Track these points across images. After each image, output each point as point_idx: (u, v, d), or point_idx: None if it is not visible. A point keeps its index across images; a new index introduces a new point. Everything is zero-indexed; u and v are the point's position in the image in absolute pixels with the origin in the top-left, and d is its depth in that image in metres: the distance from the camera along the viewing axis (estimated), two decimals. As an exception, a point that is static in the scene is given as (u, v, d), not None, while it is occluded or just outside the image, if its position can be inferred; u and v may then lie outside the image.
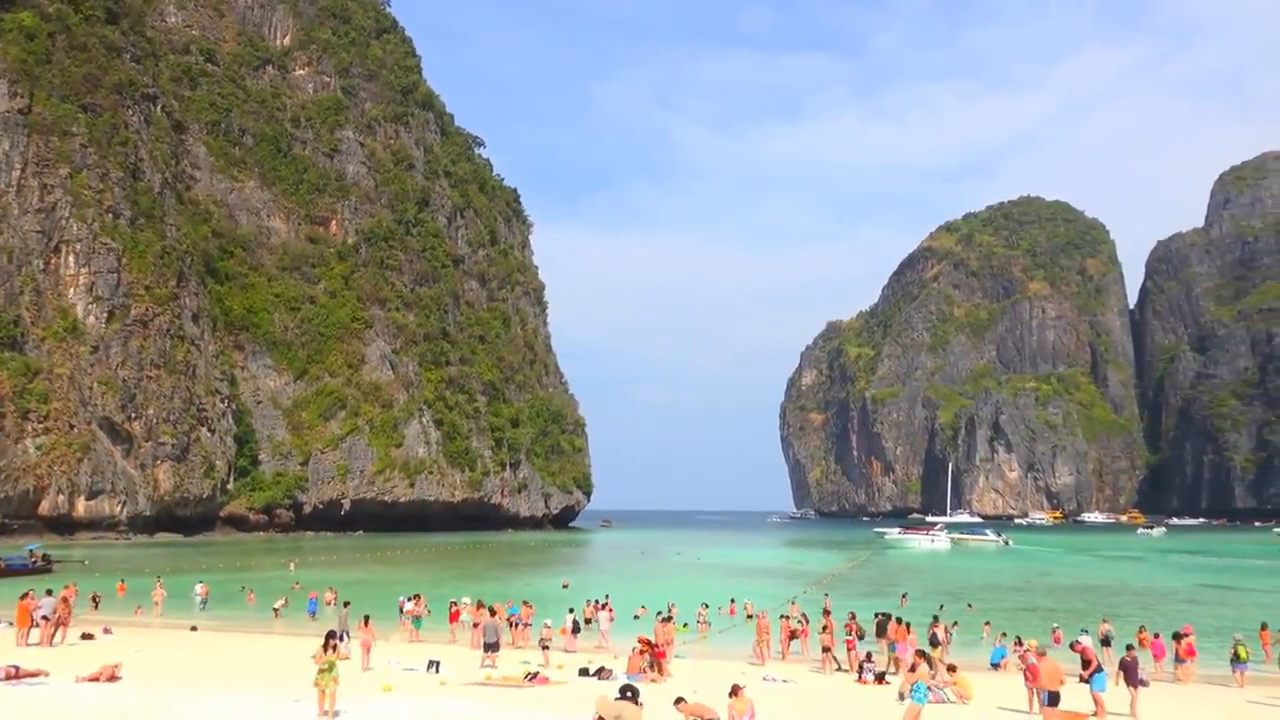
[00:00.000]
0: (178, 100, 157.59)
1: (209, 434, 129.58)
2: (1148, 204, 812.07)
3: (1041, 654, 22.16)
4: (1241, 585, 69.21)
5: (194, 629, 38.52)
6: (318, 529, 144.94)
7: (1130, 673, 23.61)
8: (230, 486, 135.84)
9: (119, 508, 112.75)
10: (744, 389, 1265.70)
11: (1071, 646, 25.43)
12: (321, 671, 19.64)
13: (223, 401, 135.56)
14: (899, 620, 31.77)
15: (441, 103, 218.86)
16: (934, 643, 29.60)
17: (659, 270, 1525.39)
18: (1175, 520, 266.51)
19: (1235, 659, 28.00)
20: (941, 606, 50.56)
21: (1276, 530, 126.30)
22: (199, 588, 47.92)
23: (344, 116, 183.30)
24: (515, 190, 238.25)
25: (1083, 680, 22.24)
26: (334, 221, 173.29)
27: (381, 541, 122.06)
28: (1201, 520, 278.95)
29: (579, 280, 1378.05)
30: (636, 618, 42.61)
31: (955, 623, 35.80)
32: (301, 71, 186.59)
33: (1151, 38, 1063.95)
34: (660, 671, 27.17)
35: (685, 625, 39.62)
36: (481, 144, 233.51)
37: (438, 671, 27.34)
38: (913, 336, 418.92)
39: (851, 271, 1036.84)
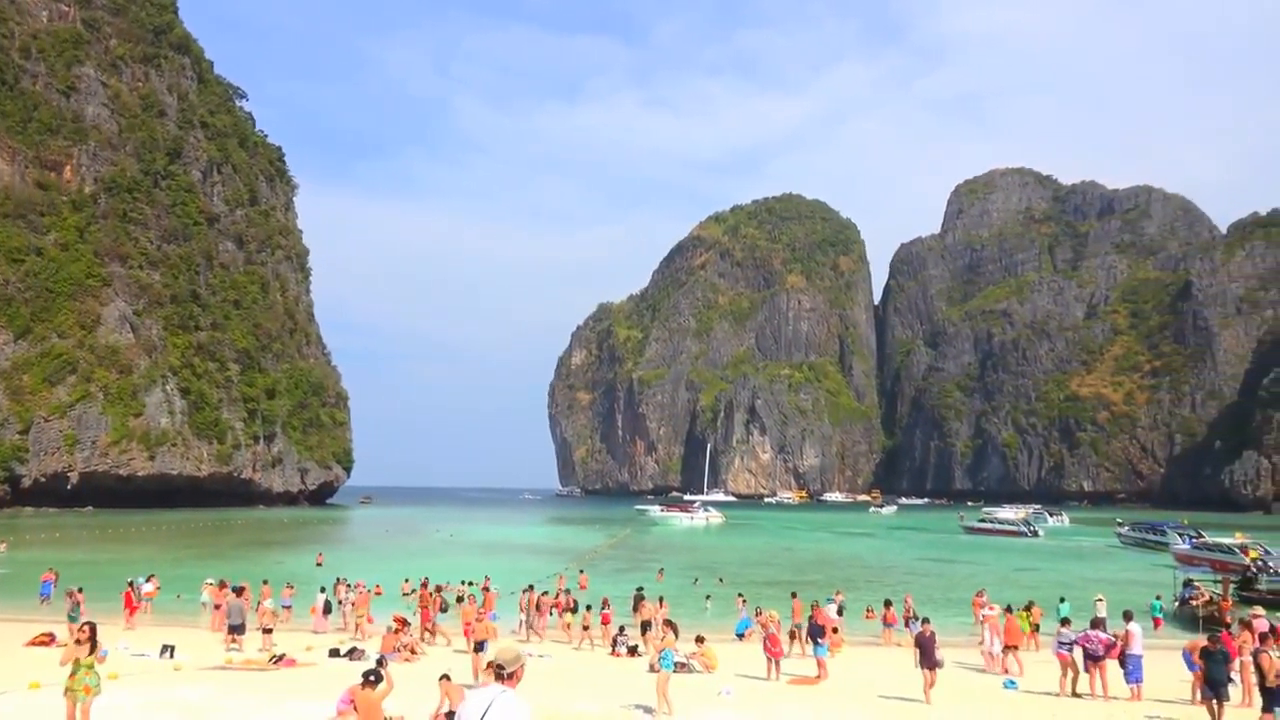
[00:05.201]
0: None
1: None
2: (894, 208, 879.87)
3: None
4: (956, 558, 76.95)
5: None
6: (39, 504, 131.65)
7: (927, 651, 21.09)
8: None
9: None
10: (516, 366, 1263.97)
11: (812, 608, 27.36)
12: (73, 675, 15.33)
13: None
14: (660, 599, 33.18)
15: (199, 47, 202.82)
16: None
17: (434, 243, 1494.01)
18: (904, 500, 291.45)
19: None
20: (696, 580, 53.15)
21: (978, 509, 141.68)
22: None
23: (84, 52, 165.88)
24: (279, 148, 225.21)
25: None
26: (68, 167, 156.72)
27: (115, 519, 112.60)
28: (927, 500, 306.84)
29: (350, 249, 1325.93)
30: (405, 595, 42.00)
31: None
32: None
33: (905, 56, 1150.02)
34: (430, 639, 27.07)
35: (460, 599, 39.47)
36: (243, 96, 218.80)
37: (172, 656, 25.73)
38: (679, 321, 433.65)
39: (623, 255, 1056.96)
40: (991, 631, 26.66)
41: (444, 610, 33.98)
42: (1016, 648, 25.96)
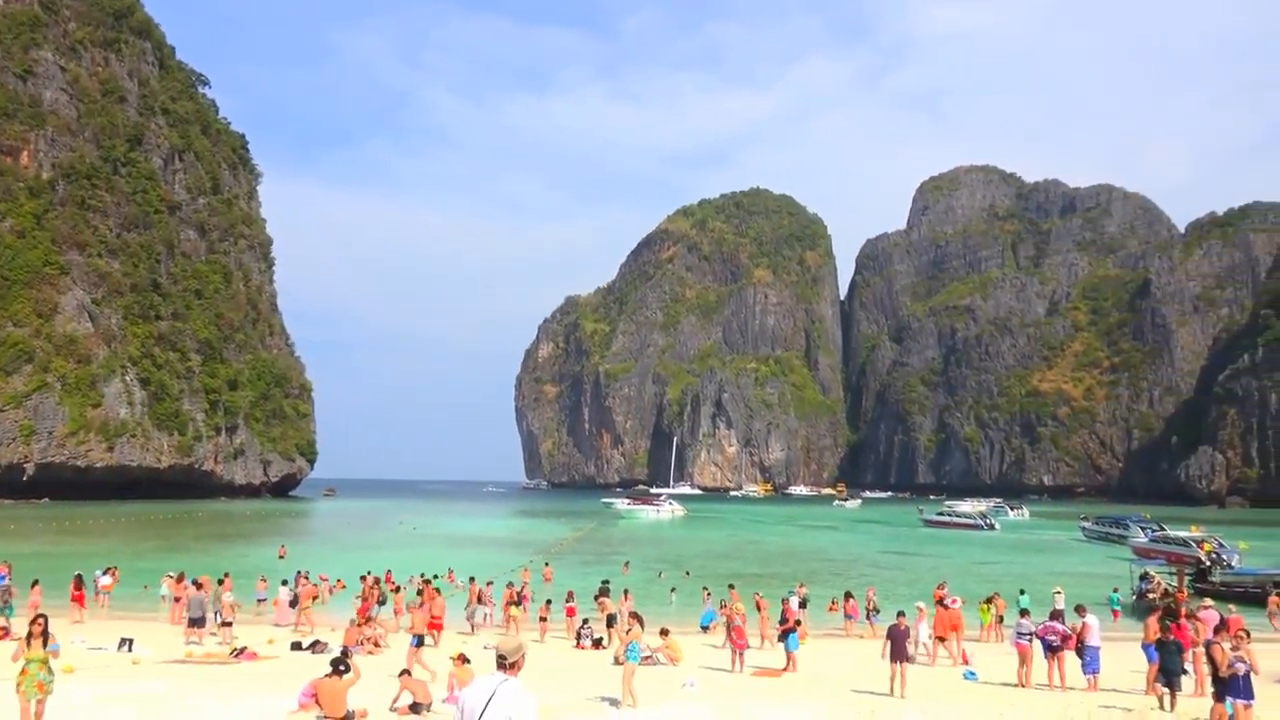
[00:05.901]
0: None
1: None
2: (860, 204, 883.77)
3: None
4: (919, 552, 77.75)
5: None
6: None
7: (898, 645, 20.68)
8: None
9: None
10: (482, 359, 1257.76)
11: (783, 603, 27.63)
12: (25, 671, 14.68)
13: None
14: (625, 592, 33.29)
15: (161, 33, 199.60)
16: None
17: (402, 234, 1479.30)
18: (868, 493, 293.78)
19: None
20: (660, 574, 53.25)
21: (939, 503, 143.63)
22: None
23: (42, 35, 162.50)
24: (243, 136, 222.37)
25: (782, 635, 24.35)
26: (25, 152, 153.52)
27: (73, 511, 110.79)
28: (890, 493, 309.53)
29: (315, 239, 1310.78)
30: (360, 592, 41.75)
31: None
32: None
33: (872, 53, 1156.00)
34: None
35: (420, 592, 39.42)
36: (206, 83, 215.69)
37: (130, 650, 25.40)
38: (647, 315, 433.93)
39: (591, 248, 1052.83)
40: (918, 621, 27.14)
41: (381, 603, 33.89)
42: (944, 639, 26.34)
